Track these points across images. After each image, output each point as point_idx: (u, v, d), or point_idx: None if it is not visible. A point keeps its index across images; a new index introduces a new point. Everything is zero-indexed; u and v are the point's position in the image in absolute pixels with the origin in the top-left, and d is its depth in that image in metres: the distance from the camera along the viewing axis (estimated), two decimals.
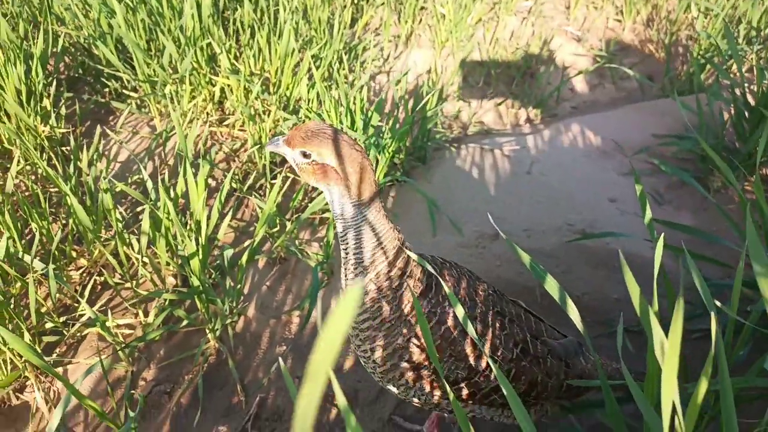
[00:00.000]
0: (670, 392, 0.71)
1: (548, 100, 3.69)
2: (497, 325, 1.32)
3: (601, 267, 2.23)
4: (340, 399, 0.63)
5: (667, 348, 0.69)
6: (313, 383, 0.41)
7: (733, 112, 2.85)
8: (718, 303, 1.36)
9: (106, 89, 3.03)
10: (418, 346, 1.25)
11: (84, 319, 1.99)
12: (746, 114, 2.78)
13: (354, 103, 2.53)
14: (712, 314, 0.79)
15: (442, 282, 1.14)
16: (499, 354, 1.30)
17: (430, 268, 1.21)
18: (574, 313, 1.15)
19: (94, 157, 2.47)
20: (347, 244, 1.21)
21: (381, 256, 1.20)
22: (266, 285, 2.27)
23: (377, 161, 2.43)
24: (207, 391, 1.92)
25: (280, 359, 1.10)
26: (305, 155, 1.17)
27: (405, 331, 1.24)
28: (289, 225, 2.35)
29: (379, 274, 1.20)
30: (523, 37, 4.16)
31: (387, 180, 2.54)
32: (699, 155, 2.97)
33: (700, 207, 2.75)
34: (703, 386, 0.76)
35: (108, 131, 2.69)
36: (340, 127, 2.48)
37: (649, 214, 1.36)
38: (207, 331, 2.00)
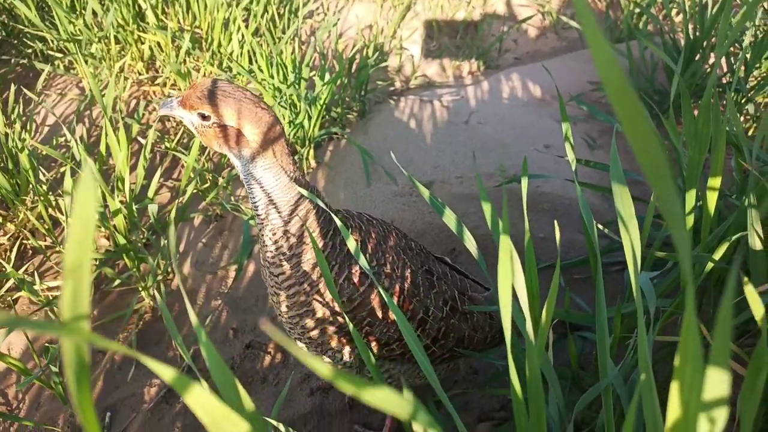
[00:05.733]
0: (507, 261, 0.77)
1: (491, 51, 3.71)
2: (426, 284, 1.31)
3: (530, 210, 2.29)
4: (192, 318, 0.65)
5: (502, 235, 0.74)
6: (74, 275, 0.43)
7: None
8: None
9: (30, 50, 2.91)
10: (320, 303, 1.20)
11: (10, 283, 1.97)
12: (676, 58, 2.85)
13: (284, 58, 2.50)
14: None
15: (349, 238, 1.09)
16: (430, 313, 1.29)
17: (338, 221, 1.11)
18: (471, 244, 1.19)
19: (14, 118, 2.40)
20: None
21: (274, 212, 1.13)
22: (202, 242, 2.27)
23: (309, 115, 2.42)
24: (142, 346, 1.93)
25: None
26: (204, 117, 1.07)
27: (307, 287, 1.19)
28: (221, 180, 2.34)
29: (275, 230, 1.15)
30: None
31: (322, 133, 2.54)
32: None
33: (630, 151, 2.83)
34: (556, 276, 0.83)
35: (27, 92, 2.60)
36: (272, 81, 2.45)
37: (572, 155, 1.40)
38: (140, 289, 2.00)
